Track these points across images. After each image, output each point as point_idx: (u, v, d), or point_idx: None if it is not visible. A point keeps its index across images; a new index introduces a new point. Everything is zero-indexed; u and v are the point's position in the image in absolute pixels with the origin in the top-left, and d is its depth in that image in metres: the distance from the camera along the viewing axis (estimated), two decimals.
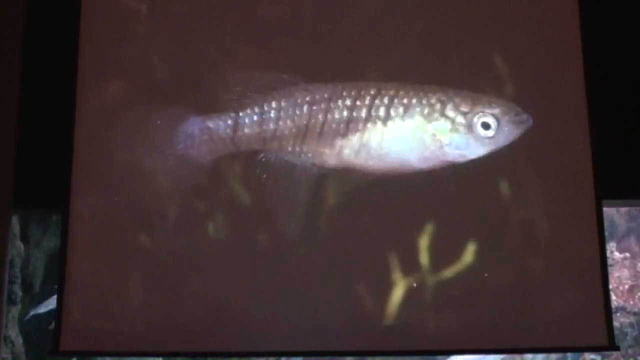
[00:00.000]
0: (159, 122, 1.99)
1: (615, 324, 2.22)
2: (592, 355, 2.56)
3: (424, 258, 1.97)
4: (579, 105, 2.05)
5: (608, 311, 1.96)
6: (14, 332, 2.38)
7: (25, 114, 2.12)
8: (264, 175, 1.96)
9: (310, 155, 1.96)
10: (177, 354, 2.02)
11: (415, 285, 1.96)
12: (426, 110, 1.94)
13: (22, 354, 2.39)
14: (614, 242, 2.63)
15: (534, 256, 1.98)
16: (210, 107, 1.99)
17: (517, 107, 1.95)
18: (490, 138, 1.92)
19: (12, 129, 2.08)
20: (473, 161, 1.94)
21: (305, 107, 1.96)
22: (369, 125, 1.94)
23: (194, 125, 1.98)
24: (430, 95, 1.95)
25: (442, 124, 1.93)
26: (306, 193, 1.97)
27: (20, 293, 2.44)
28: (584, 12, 2.10)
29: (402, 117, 1.94)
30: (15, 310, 2.41)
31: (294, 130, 1.96)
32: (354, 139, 1.95)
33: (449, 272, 1.97)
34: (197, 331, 1.96)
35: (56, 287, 2.00)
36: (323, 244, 1.99)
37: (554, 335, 1.95)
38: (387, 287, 1.96)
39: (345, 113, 1.95)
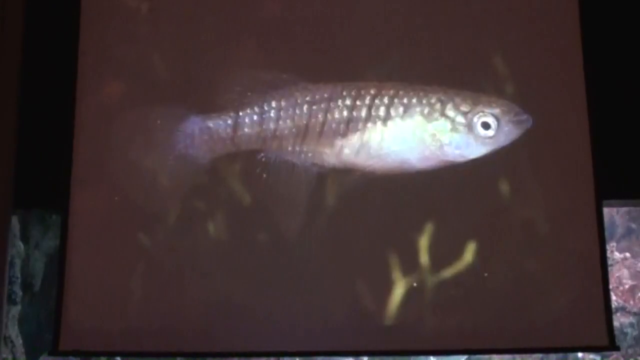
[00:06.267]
0: (158, 121, 1.99)
1: (615, 324, 2.21)
2: (592, 355, 2.56)
3: (424, 258, 1.97)
4: (579, 105, 2.05)
5: (608, 311, 1.96)
6: (14, 332, 2.38)
7: (25, 113, 2.12)
8: (264, 175, 1.96)
9: (310, 155, 1.96)
10: (177, 354, 2.02)
11: (415, 285, 1.96)
12: (426, 110, 1.94)
13: (22, 354, 2.38)
14: (614, 242, 2.63)
15: (534, 256, 1.98)
16: (210, 107, 1.99)
17: (517, 107, 1.95)
18: (490, 138, 1.92)
19: (12, 129, 2.08)
20: (473, 161, 1.94)
21: (305, 107, 1.96)
22: (369, 125, 1.94)
23: (194, 125, 1.98)
24: (430, 95, 1.95)
25: (442, 124, 1.93)
26: (306, 193, 1.97)
27: (20, 293, 2.44)
28: (584, 12, 2.10)
29: (402, 117, 1.94)
30: (15, 310, 2.40)
31: (294, 130, 1.96)
32: (354, 139, 1.95)
33: (449, 272, 1.96)
34: (197, 331, 1.96)
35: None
36: (323, 243, 1.99)
37: (554, 335, 1.95)
38: (387, 286, 1.96)
39: (345, 113, 1.95)
